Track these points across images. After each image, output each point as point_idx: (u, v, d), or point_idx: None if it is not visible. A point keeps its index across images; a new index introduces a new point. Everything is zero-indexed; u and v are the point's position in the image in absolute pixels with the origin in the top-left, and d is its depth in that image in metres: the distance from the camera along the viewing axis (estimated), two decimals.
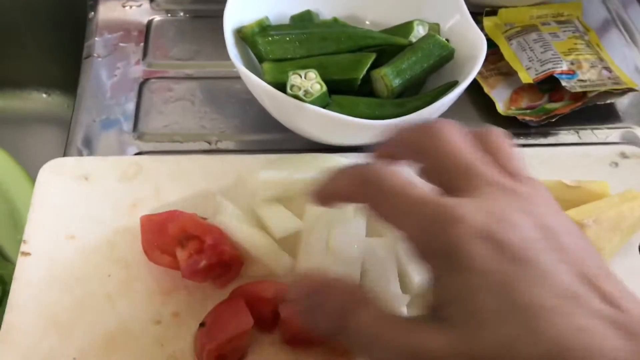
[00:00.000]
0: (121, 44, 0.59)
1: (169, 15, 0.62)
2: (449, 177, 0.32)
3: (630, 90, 0.55)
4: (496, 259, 0.28)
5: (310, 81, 0.47)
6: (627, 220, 0.44)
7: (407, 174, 0.32)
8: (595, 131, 0.55)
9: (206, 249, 0.39)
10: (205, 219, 0.43)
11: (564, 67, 0.55)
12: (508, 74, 0.57)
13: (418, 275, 0.41)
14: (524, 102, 0.56)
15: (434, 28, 0.54)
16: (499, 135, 0.35)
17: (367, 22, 0.57)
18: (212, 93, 0.56)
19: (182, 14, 0.63)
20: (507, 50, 0.57)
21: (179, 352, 0.39)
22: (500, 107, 0.55)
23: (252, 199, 0.44)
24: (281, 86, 0.47)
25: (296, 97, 0.46)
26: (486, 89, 0.56)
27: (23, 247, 0.42)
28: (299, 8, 0.55)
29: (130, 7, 0.63)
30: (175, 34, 0.61)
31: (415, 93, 0.53)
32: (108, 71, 0.57)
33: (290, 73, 0.47)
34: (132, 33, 0.60)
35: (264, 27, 0.52)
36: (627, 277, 0.44)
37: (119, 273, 0.41)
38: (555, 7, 0.61)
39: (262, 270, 0.42)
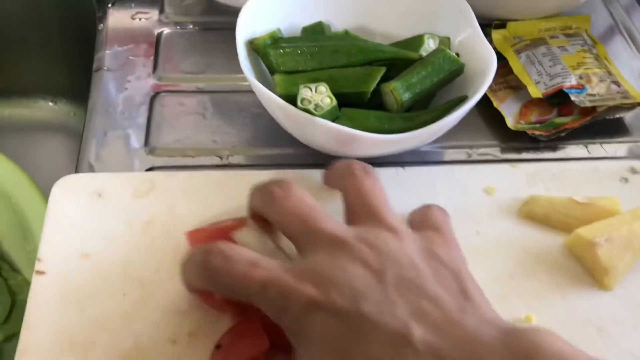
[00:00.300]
0: (131, 57, 0.59)
1: (179, 27, 0.62)
2: (291, 237, 0.36)
3: (639, 104, 0.55)
4: (329, 324, 0.30)
5: (321, 95, 0.47)
6: (639, 238, 0.45)
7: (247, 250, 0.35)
8: (604, 145, 0.56)
9: None
10: None
11: (573, 81, 0.55)
12: (517, 87, 0.58)
13: None
14: (533, 116, 0.56)
15: (445, 42, 0.54)
16: (353, 172, 0.41)
17: (378, 34, 0.57)
18: (223, 107, 0.56)
19: (191, 26, 0.63)
20: (516, 64, 0.58)
21: None
22: (510, 122, 0.55)
23: None
24: (292, 98, 0.47)
25: (307, 110, 0.46)
26: (495, 103, 0.56)
27: (38, 266, 0.42)
28: (310, 19, 0.56)
29: (140, 19, 0.63)
30: (185, 47, 0.61)
31: (425, 107, 0.53)
32: (118, 84, 0.57)
33: (301, 87, 0.47)
34: (142, 45, 0.60)
35: (275, 39, 0.52)
36: (639, 294, 0.44)
37: (134, 292, 0.42)
38: (564, 19, 0.62)
39: None
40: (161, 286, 0.42)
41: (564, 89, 0.55)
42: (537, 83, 0.56)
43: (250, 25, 0.52)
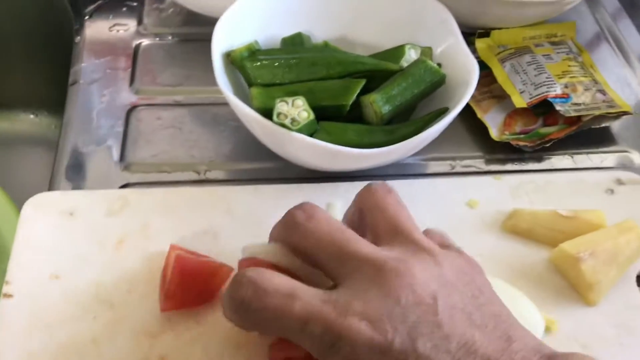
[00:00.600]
0: (108, 70, 0.58)
1: (158, 39, 0.61)
2: (323, 265, 0.33)
3: (625, 113, 0.54)
4: None
5: (298, 109, 0.46)
6: (624, 253, 0.43)
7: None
8: (590, 155, 0.55)
9: None
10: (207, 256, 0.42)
11: (558, 90, 0.54)
12: (501, 97, 0.56)
13: None
14: (518, 126, 0.55)
15: (426, 52, 0.53)
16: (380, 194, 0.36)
17: (359, 44, 0.56)
18: (201, 120, 0.55)
19: (170, 37, 0.62)
20: (501, 74, 0.57)
21: None
22: (494, 133, 0.54)
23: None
24: (269, 112, 0.46)
25: (283, 125, 0.45)
26: (479, 114, 0.55)
27: (5, 289, 0.41)
28: (290, 30, 0.55)
29: (118, 30, 0.62)
30: (164, 59, 0.60)
31: (406, 119, 0.52)
32: (95, 98, 0.56)
33: (277, 101, 0.46)
34: (120, 58, 0.59)
35: (253, 52, 0.51)
36: (624, 309, 0.43)
37: (104, 314, 0.40)
38: (549, 27, 0.61)
39: None
40: (132, 308, 0.41)
41: (549, 99, 0.54)
42: (522, 92, 0.55)
43: (228, 37, 0.51)
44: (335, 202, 0.46)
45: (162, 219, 0.45)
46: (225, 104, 0.52)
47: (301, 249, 0.33)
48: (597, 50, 0.64)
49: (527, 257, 0.46)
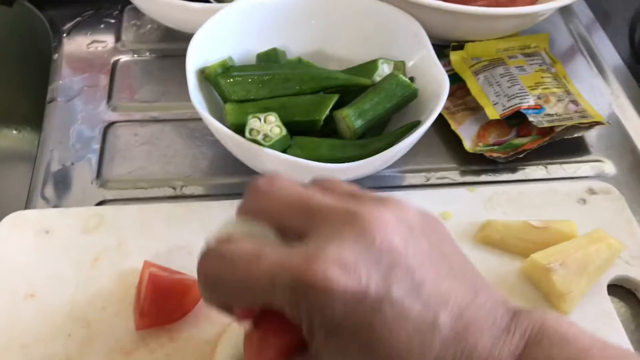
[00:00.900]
0: (85, 87, 0.58)
1: (135, 55, 0.62)
2: (291, 226, 0.31)
3: (598, 123, 0.55)
4: (357, 312, 0.27)
5: (270, 125, 0.47)
6: (594, 263, 0.44)
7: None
8: (564, 165, 0.55)
9: None
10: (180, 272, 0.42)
11: (531, 101, 0.55)
12: (476, 108, 0.57)
13: None
14: (491, 138, 0.55)
15: (399, 66, 0.54)
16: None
17: (334, 59, 0.57)
18: (178, 135, 0.55)
19: (148, 53, 0.62)
20: (474, 86, 0.57)
21: None
22: (468, 145, 0.55)
23: None
24: (243, 127, 0.46)
25: (255, 141, 0.46)
26: (453, 126, 0.56)
27: None
28: (265, 46, 0.55)
29: (96, 47, 0.62)
30: (142, 75, 0.60)
31: (380, 132, 0.52)
32: (72, 115, 0.56)
33: (250, 117, 0.47)
34: (98, 75, 0.60)
35: (227, 68, 0.52)
36: (596, 318, 0.44)
37: (79, 332, 0.41)
38: (522, 39, 0.61)
39: None
40: (107, 325, 0.41)
41: (522, 110, 0.54)
42: (495, 104, 0.56)
43: (202, 53, 0.51)
44: None
45: (137, 236, 0.45)
46: (201, 119, 0.52)
47: (268, 213, 0.32)
48: (570, 61, 0.64)
49: (500, 268, 0.46)
